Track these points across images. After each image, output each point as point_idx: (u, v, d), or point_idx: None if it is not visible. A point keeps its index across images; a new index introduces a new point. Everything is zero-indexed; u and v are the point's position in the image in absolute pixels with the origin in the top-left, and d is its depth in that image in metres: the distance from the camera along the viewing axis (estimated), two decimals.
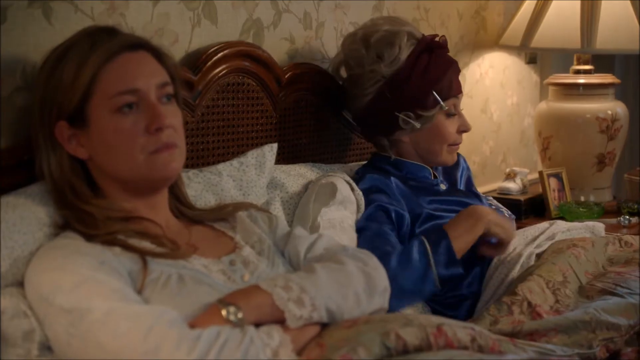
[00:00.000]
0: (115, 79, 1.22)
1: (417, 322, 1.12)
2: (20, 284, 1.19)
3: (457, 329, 1.15)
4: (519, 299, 1.49)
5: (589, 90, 2.58)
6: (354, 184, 1.72)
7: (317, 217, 1.61)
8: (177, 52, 1.66)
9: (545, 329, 1.36)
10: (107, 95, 1.22)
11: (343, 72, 1.89)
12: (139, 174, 1.25)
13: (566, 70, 2.69)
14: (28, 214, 1.24)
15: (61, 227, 1.25)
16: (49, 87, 1.24)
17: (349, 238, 1.65)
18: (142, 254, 1.20)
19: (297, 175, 1.76)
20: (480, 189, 2.64)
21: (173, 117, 1.26)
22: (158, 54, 1.30)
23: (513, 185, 2.56)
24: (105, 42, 1.23)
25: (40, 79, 1.27)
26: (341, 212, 1.66)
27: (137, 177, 1.25)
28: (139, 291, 1.16)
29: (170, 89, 1.28)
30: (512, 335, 1.34)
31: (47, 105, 1.24)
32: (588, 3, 2.42)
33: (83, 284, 1.11)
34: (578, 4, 2.44)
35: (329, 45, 2.05)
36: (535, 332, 1.36)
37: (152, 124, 1.22)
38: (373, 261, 1.33)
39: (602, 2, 2.42)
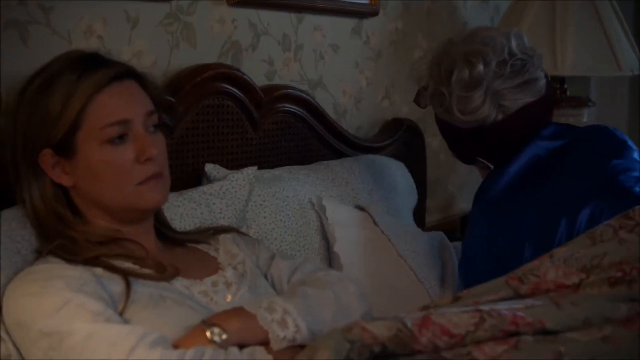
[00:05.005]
0: (104, 111, 1.21)
1: (393, 316, 1.03)
2: None
3: (453, 315, 1.02)
4: None
5: (561, 110, 2.58)
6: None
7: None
8: (156, 75, 1.63)
9: None
10: (97, 127, 1.20)
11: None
12: (126, 203, 1.24)
13: None
14: (4, 239, 1.21)
15: (40, 251, 1.22)
16: (33, 116, 1.22)
17: None
18: (125, 274, 1.18)
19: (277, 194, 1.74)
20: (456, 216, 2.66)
21: (160, 146, 1.26)
22: (143, 82, 1.29)
23: None
24: (92, 73, 1.21)
25: (22, 108, 1.24)
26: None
27: (125, 207, 1.25)
28: (121, 313, 1.14)
29: (155, 118, 1.28)
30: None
31: (31, 134, 1.22)
32: (560, 26, 2.44)
33: (63, 307, 1.09)
34: (549, 28, 2.45)
35: (308, 67, 2.06)
36: None
37: (142, 155, 1.22)
38: (354, 286, 1.33)
39: (574, 26, 2.44)
